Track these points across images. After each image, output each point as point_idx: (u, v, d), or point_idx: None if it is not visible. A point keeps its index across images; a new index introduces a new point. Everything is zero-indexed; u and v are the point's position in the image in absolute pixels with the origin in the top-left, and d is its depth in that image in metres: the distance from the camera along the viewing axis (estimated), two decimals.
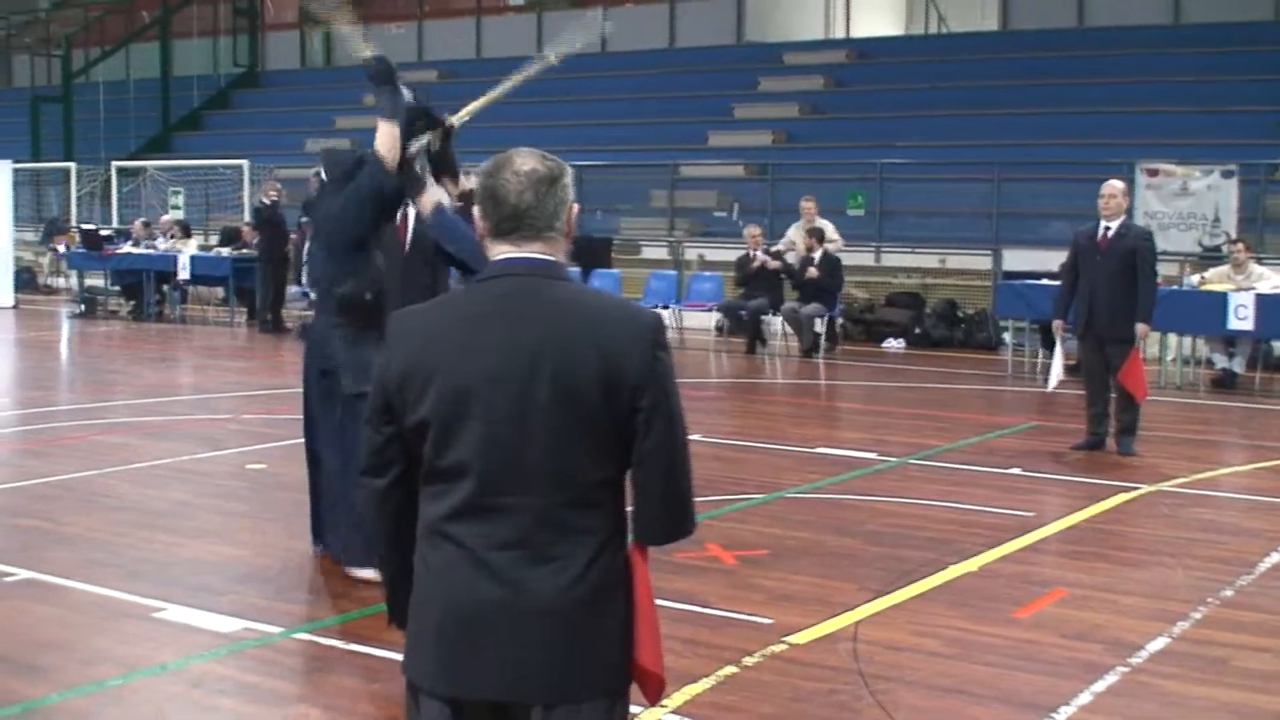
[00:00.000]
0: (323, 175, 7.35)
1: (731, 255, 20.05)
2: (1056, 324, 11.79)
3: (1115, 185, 11.48)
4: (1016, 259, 19.91)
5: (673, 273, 20.74)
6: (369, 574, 6.73)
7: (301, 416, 7.53)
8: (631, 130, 26.72)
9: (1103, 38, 25.50)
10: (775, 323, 19.12)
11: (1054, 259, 18.03)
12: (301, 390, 7.51)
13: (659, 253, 22.77)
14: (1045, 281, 16.74)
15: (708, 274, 20.55)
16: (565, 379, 2.81)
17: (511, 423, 2.82)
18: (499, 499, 2.83)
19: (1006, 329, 18.39)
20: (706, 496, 9.28)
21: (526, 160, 2.94)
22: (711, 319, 20.46)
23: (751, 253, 18.86)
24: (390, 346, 2.93)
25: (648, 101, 27.79)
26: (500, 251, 2.94)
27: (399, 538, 2.97)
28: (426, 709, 2.88)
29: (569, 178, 2.96)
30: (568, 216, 2.95)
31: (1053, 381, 12.11)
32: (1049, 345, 16.70)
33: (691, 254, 22.06)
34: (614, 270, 21.09)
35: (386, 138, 6.99)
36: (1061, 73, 24.41)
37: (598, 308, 2.91)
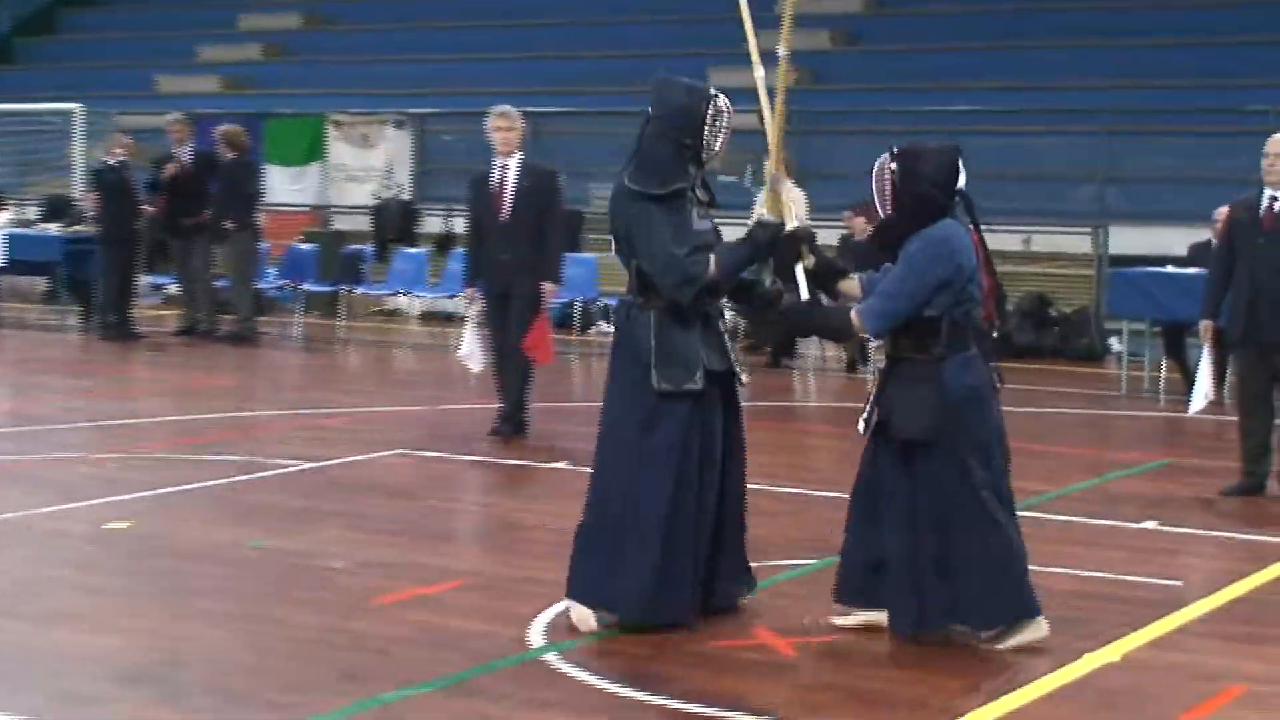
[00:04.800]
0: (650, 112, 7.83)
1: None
2: (1205, 326, 11.76)
3: None
4: (1128, 239, 19.93)
5: None
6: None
7: None
8: (606, 66, 26.69)
9: None
10: None
11: (1178, 240, 18.08)
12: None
13: None
14: (1170, 269, 16.74)
15: None
16: None
17: None
18: None
19: (1118, 333, 18.38)
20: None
21: None
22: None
23: None
24: None
25: (627, 28, 27.76)
26: None
27: None
28: None
29: None
30: None
31: (1198, 403, 11.98)
32: (1176, 354, 16.70)
33: None
34: (588, 255, 21.01)
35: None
36: None
37: None
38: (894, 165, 7.66)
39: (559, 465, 12.40)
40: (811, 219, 19.19)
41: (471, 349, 13.80)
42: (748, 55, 8.02)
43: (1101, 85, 22.48)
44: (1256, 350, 11.39)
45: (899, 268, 7.63)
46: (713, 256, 7.73)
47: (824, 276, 7.92)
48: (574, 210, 21.73)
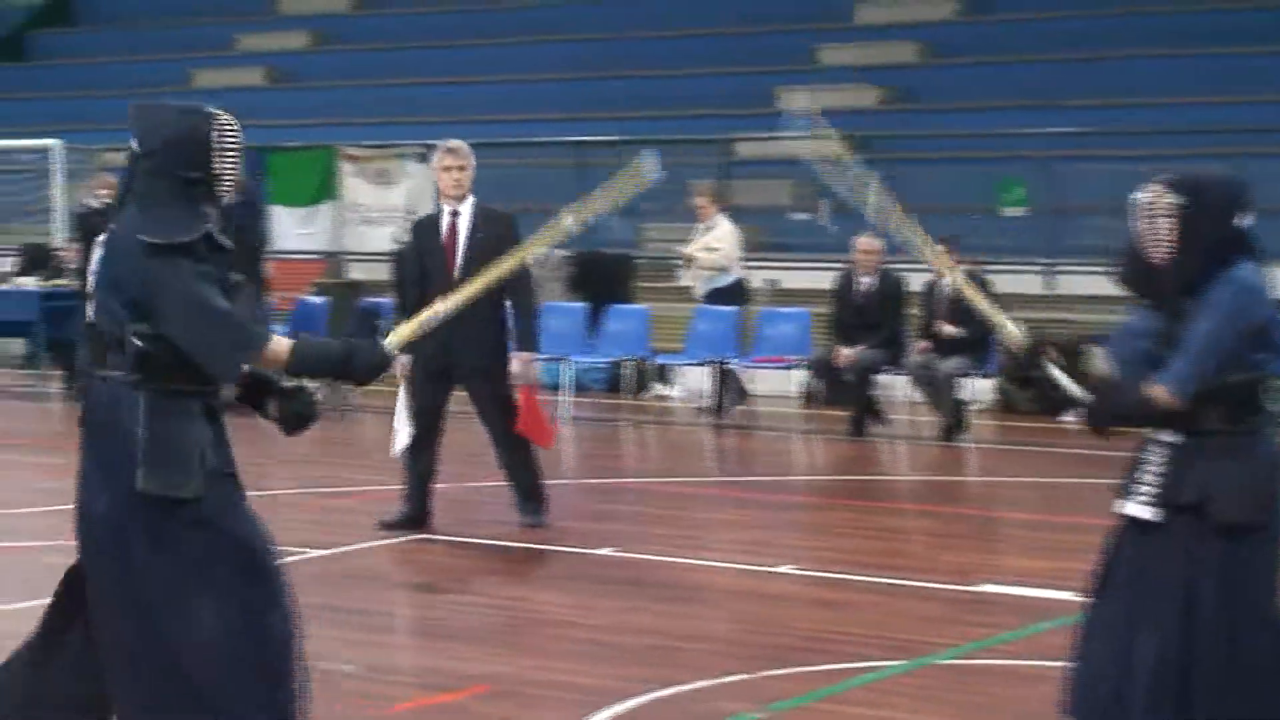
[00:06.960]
0: (134, 146, 6.96)
1: (823, 280, 19.91)
2: None
3: None
4: None
5: (730, 309, 20.60)
6: None
7: None
8: (659, 87, 26.72)
9: None
10: (897, 385, 19.09)
11: None
12: None
13: None
14: None
15: (787, 310, 20.40)
16: None
17: None
18: None
19: None
20: (811, 666, 9.17)
21: None
22: (794, 380, 20.28)
23: (858, 278, 18.81)
24: None
25: (686, 43, 27.79)
26: None
27: None
28: None
29: None
30: None
31: None
32: None
33: (758, 279, 21.91)
34: (639, 305, 20.96)
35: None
36: None
37: None
38: (1175, 198, 7.12)
39: (602, 551, 12.38)
40: (904, 264, 19.21)
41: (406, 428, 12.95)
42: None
43: (1226, 99, 22.34)
44: None
45: (1203, 318, 7.08)
46: (288, 340, 6.94)
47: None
48: (623, 255, 21.85)
